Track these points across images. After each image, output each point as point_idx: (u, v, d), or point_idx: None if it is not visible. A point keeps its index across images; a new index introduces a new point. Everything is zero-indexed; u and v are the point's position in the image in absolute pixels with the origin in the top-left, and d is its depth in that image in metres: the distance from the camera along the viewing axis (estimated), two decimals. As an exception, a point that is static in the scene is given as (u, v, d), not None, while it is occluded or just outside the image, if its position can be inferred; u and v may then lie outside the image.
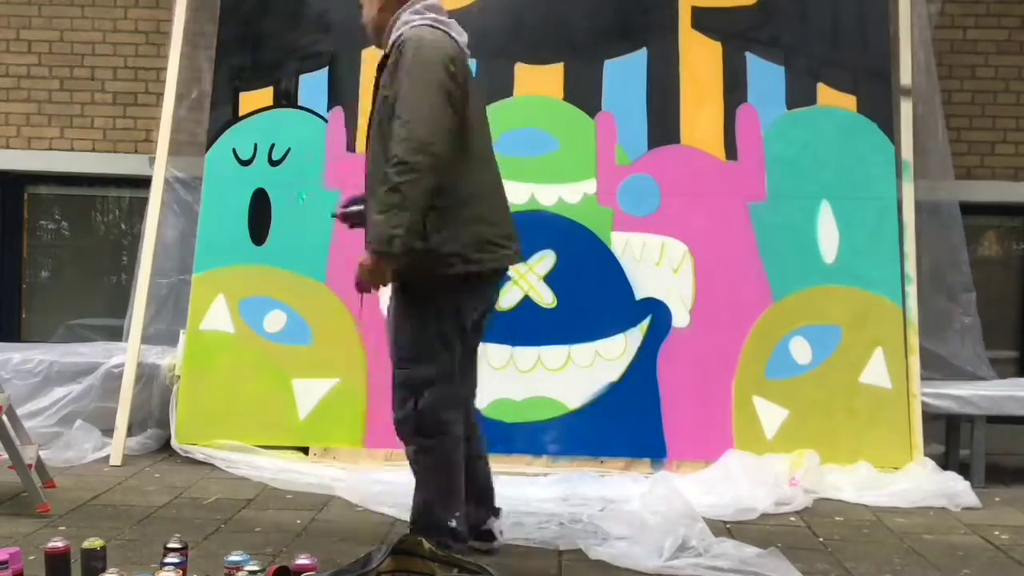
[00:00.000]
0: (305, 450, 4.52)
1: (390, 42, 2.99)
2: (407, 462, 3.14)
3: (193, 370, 4.57)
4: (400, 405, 3.02)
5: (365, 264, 2.87)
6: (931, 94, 4.88)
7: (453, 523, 3.00)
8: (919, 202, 4.71)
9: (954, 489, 4.11)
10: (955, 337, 4.89)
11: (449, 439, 3.01)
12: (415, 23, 2.95)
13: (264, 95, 4.84)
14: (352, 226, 3.26)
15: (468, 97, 2.94)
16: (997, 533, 3.69)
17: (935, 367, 4.81)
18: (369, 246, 2.86)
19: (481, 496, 3.22)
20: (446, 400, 2.99)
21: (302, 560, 2.68)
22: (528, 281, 4.62)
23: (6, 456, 3.61)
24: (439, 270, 2.91)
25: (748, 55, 4.77)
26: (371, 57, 4.81)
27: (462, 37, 3.05)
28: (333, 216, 3.37)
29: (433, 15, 2.99)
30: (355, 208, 3.23)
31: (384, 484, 4.00)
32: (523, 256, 3.24)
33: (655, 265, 4.62)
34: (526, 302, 4.60)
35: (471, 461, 3.14)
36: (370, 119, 3.03)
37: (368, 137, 3.05)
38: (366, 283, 2.91)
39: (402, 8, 3.01)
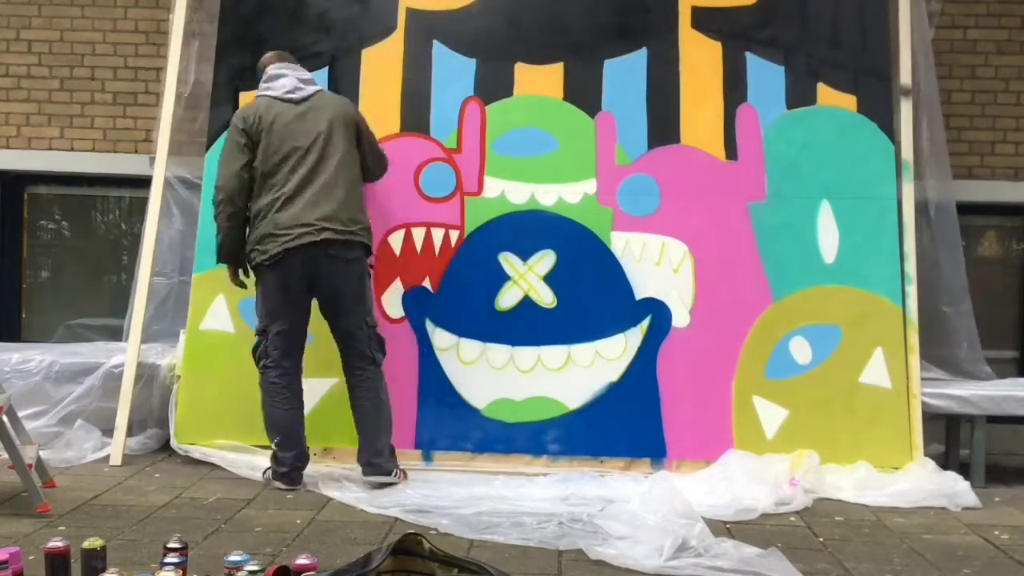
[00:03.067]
0: (305, 450, 4.52)
1: None
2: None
3: (193, 370, 4.57)
4: None
5: None
6: (932, 94, 4.89)
7: (273, 446, 4.07)
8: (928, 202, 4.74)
9: (954, 489, 4.10)
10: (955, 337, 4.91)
11: (265, 380, 4.07)
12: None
13: (264, 95, 4.84)
14: None
15: (262, 137, 4.07)
16: (997, 533, 3.69)
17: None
18: None
19: (365, 436, 4.09)
20: (264, 352, 4.07)
21: (302, 560, 2.68)
22: (528, 281, 4.62)
23: (6, 456, 3.61)
24: (252, 262, 4.11)
25: (748, 55, 4.77)
26: (371, 57, 4.83)
27: (280, 90, 4.16)
28: None
29: (264, 85, 4.24)
30: None
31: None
32: (330, 233, 4.00)
33: (655, 265, 4.62)
34: (526, 302, 4.61)
35: (355, 404, 4.13)
36: None
37: None
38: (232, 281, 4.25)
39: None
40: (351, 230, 4.05)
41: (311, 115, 4.14)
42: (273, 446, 4.07)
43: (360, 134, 4.25)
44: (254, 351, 4.12)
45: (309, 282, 4.05)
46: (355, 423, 4.11)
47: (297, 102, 4.15)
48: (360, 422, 4.10)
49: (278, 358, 4.06)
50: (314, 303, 4.18)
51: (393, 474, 4.05)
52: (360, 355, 4.11)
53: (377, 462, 4.04)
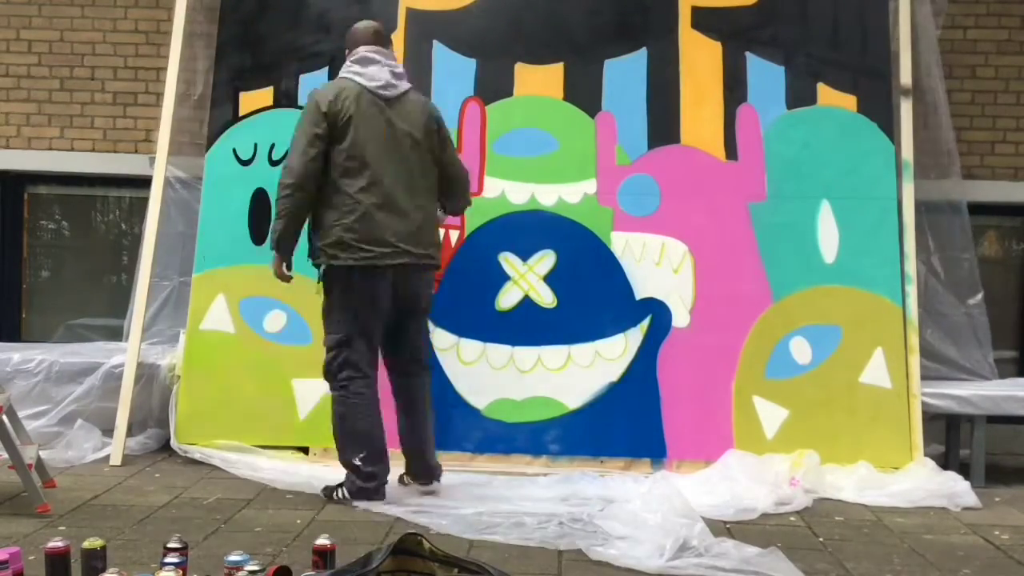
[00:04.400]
0: (305, 450, 4.52)
1: None
2: (406, 461, 4.07)
3: (193, 370, 4.57)
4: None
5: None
6: (938, 92, 4.91)
7: (357, 462, 3.80)
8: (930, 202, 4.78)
9: (954, 489, 4.11)
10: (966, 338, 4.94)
11: (348, 393, 3.82)
12: (340, 75, 3.93)
13: (264, 95, 4.85)
14: None
15: (349, 130, 3.75)
16: (997, 533, 3.69)
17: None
18: None
19: (411, 453, 3.99)
20: (344, 362, 3.81)
21: (322, 541, 2.79)
22: (528, 281, 4.62)
23: (6, 456, 3.61)
24: (314, 262, 3.88)
25: (748, 55, 4.77)
26: (371, 57, 4.83)
27: (373, 81, 3.83)
28: None
29: (355, 67, 3.88)
30: None
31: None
32: (408, 258, 3.82)
33: (655, 265, 4.62)
34: (526, 302, 4.61)
35: (406, 420, 3.99)
36: None
37: None
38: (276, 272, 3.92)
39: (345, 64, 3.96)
40: (428, 253, 3.91)
41: (401, 119, 3.86)
42: (357, 461, 3.79)
43: (444, 143, 4.01)
44: (330, 365, 3.84)
45: (393, 292, 3.84)
46: (405, 429, 3.98)
47: (388, 100, 3.85)
48: (419, 427, 3.98)
49: (366, 369, 3.84)
50: None
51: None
52: (420, 361, 4.05)
53: (436, 469, 4.03)
